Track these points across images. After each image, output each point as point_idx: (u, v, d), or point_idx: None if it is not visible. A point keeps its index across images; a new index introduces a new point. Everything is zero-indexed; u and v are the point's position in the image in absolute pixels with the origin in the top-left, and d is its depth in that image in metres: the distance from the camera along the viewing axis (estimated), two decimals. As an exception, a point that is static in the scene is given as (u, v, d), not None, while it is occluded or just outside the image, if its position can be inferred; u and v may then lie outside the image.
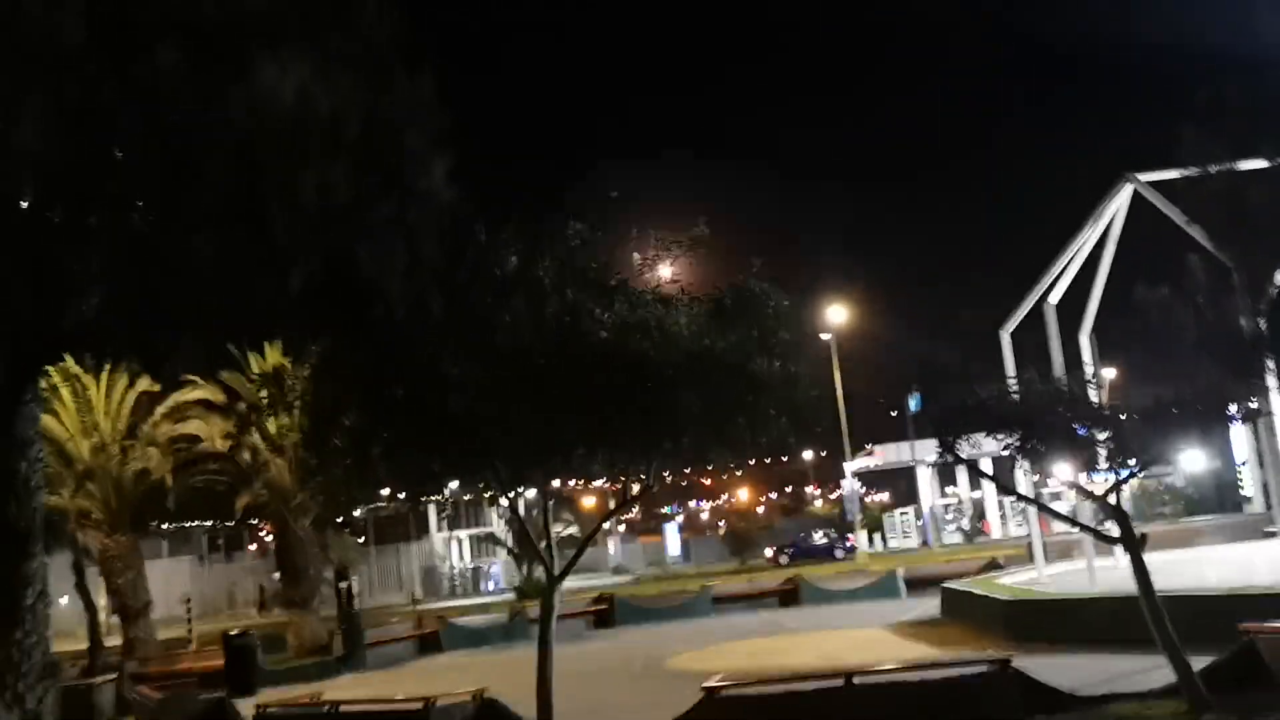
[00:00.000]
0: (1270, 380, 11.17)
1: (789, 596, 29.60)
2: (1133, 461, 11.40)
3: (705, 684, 11.68)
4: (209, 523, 54.72)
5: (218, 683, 20.65)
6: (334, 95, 8.81)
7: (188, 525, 52.34)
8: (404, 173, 9.52)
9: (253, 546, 66.86)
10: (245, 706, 16.38)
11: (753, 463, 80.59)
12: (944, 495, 59.90)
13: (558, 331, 10.70)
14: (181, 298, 9.97)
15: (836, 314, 49.40)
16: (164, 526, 43.43)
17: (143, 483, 28.41)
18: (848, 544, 52.53)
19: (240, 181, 8.64)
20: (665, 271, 11.45)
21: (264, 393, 25.01)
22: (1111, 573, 19.09)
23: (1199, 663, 11.10)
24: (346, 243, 9.37)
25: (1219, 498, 49.82)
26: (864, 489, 67.29)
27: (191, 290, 9.81)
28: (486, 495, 28.31)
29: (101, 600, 30.91)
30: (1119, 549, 13.00)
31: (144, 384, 27.89)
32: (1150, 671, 11.87)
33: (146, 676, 22.34)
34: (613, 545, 64.99)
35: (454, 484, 36.91)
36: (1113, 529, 11.30)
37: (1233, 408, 10.65)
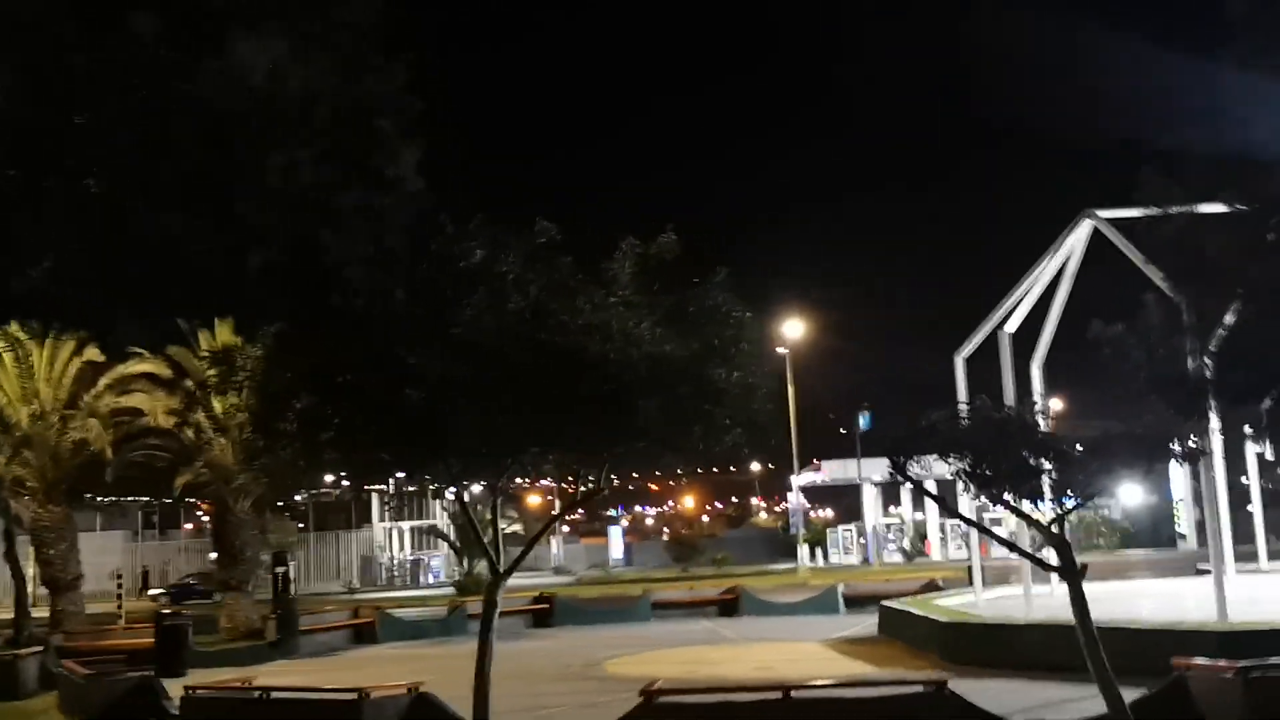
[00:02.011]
0: (1213, 421, 11.39)
1: (729, 606, 29.69)
2: (1075, 493, 11.56)
3: (642, 689, 11.67)
4: (146, 499, 53.89)
5: (147, 661, 20.29)
6: (307, 77, 8.74)
7: (124, 500, 51.48)
8: (373, 159, 9.46)
9: (189, 526, 65.99)
10: (174, 687, 16.14)
11: (701, 471, 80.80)
12: (887, 515, 60.46)
13: (518, 329, 10.67)
14: (137, 270, 9.83)
15: (793, 329, 49.67)
16: (99, 500, 42.67)
17: (81, 454, 27.90)
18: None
19: (207, 158, 8.54)
20: (629, 277, 11.44)
21: (212, 370, 24.69)
22: (1047, 600, 19.35)
23: (1129, 694, 11.27)
24: (310, 226, 9.29)
25: (1154, 532, 50.83)
26: (809, 504, 67.73)
27: (148, 263, 9.67)
28: (433, 488, 28.13)
29: (30, 570, 30.36)
30: (1056, 577, 13.18)
31: (89, 354, 27.41)
32: (1081, 700, 12.03)
33: (73, 651, 21.91)
34: (555, 545, 64.89)
35: (400, 474, 36.63)
36: (1052, 557, 11.45)
37: (1177, 446, 10.80)
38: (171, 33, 8.18)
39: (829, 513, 76.92)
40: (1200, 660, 11.64)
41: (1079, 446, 11.33)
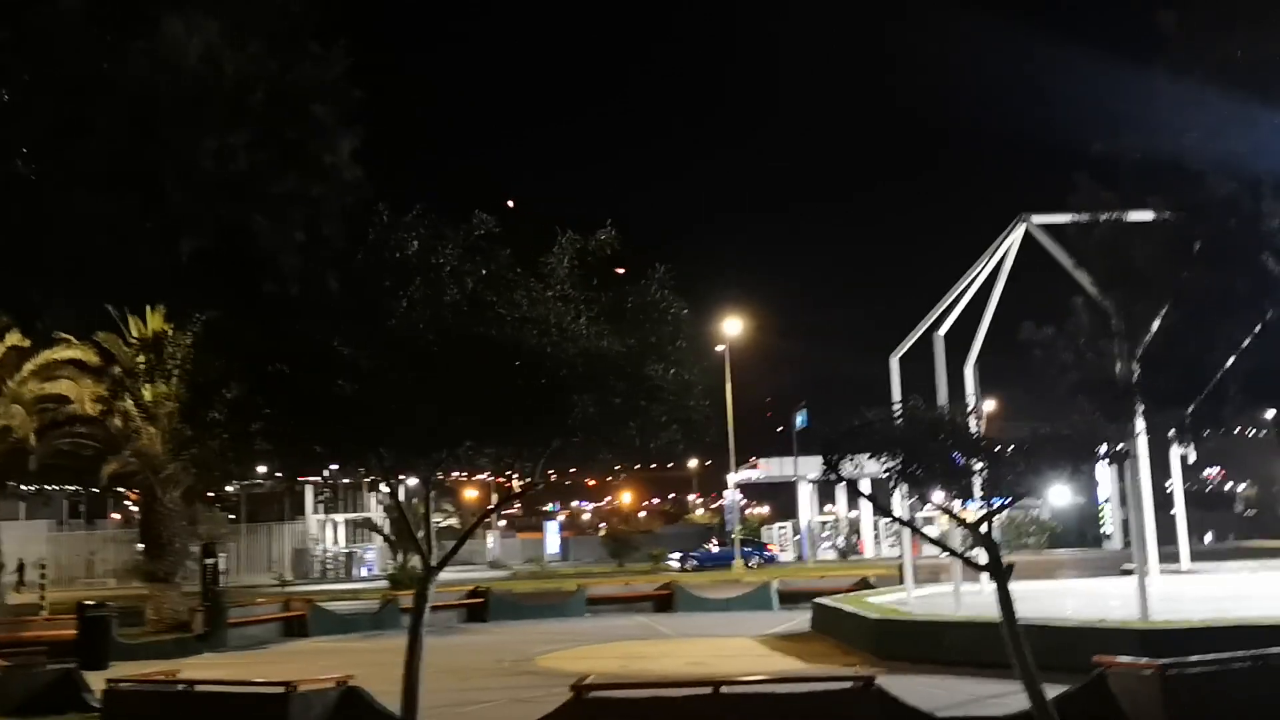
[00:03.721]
0: (1139, 424, 11.62)
1: (664, 602, 29.78)
2: (1004, 492, 11.73)
3: (573, 684, 11.65)
4: (72, 488, 52.70)
5: (69, 653, 19.84)
6: (241, 60, 8.55)
7: (49, 489, 50.32)
8: (308, 147, 9.28)
9: (116, 516, 64.66)
10: (96, 680, 15.80)
11: (638, 467, 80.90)
12: (823, 513, 61.03)
13: (455, 321, 10.57)
14: (61, 254, 9.56)
15: (732, 326, 49.89)
16: (23, 488, 41.69)
17: (4, 441, 27.21)
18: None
19: (134, 140, 8.32)
20: (567, 271, 11.38)
21: (141, 357, 24.23)
22: (976, 598, 19.65)
23: (1053, 690, 11.47)
24: (243, 213, 9.10)
25: (1081, 533, 51.88)
26: (745, 501, 68.14)
27: (72, 247, 9.41)
28: (367, 480, 27.65)
29: (-51, 560, 29.56)
30: (985, 576, 13.39)
31: (13, 339, 26.73)
32: (1006, 696, 12.24)
33: (-8, 643, 21.39)
34: (491, 539, 64.62)
35: (334, 466, 36.15)
36: (981, 556, 11.62)
37: (1103, 448, 11.00)
38: (99, 10, 7.96)
39: (766, 510, 77.47)
40: (1121, 659, 11.89)
41: (1007, 447, 11.52)
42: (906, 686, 12.72)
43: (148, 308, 24.96)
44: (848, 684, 11.67)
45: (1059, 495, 50.77)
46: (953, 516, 12.30)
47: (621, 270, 11.48)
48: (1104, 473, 42.92)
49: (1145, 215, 11.37)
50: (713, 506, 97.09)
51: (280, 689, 12.72)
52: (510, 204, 11.45)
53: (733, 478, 55.37)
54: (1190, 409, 11.35)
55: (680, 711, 11.49)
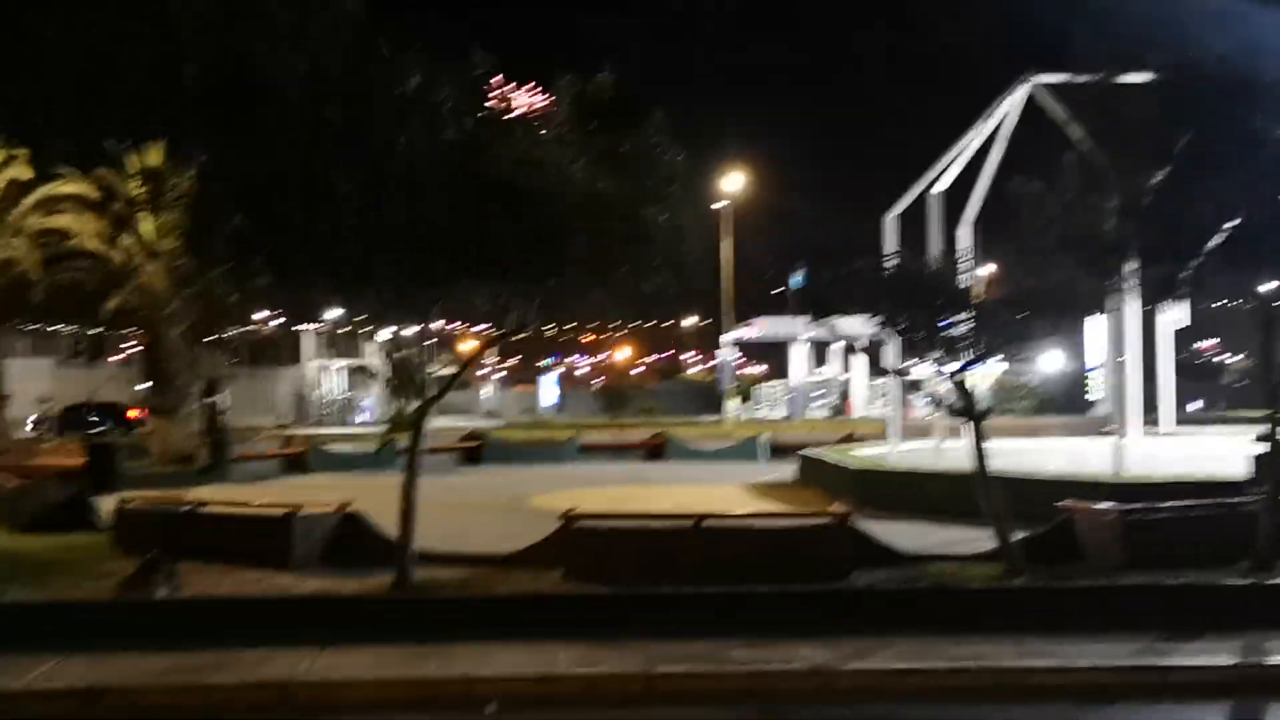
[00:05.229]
0: (1122, 281, 11.87)
1: (655, 451, 30.52)
2: (990, 348, 12.07)
3: (562, 514, 12.21)
4: (74, 327, 53.17)
5: (77, 480, 20.50)
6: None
7: (50, 328, 50.78)
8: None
9: (118, 357, 65.26)
10: (105, 503, 16.42)
11: (635, 322, 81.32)
12: (816, 372, 61.69)
13: (452, 159, 10.71)
14: (66, 81, 9.68)
15: (732, 183, 49.63)
16: (25, 327, 42.12)
17: (7, 273, 27.48)
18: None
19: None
20: (565, 114, 11.47)
21: (142, 190, 24.30)
22: (957, 453, 20.21)
23: (1021, 535, 12.05)
24: (245, 43, 9.18)
25: (1069, 398, 52.59)
26: (742, 359, 68.81)
27: (77, 75, 9.52)
28: (364, 329, 27.90)
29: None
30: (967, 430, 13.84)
31: (16, 171, 26.75)
32: (976, 541, 12.80)
33: (2, 469, 22.06)
34: (488, 390, 65.51)
35: (333, 313, 36.36)
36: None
37: (1085, 303, 11.31)
38: None
39: (761, 369, 78.24)
40: (1085, 504, 12.43)
41: (993, 301, 11.83)
42: (881, 529, 13.31)
43: (149, 143, 24.92)
44: (824, 520, 12.24)
45: (1049, 361, 51.35)
46: (939, 370, 12.61)
47: (630, 119, 11.52)
48: (1094, 339, 43.35)
49: (1140, 75, 11.41)
50: (708, 365, 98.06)
51: (282, 511, 13.32)
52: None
53: (726, 336, 55.85)
54: (1173, 266, 11.59)
55: (663, 542, 12.09)
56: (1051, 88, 19.60)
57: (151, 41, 9.40)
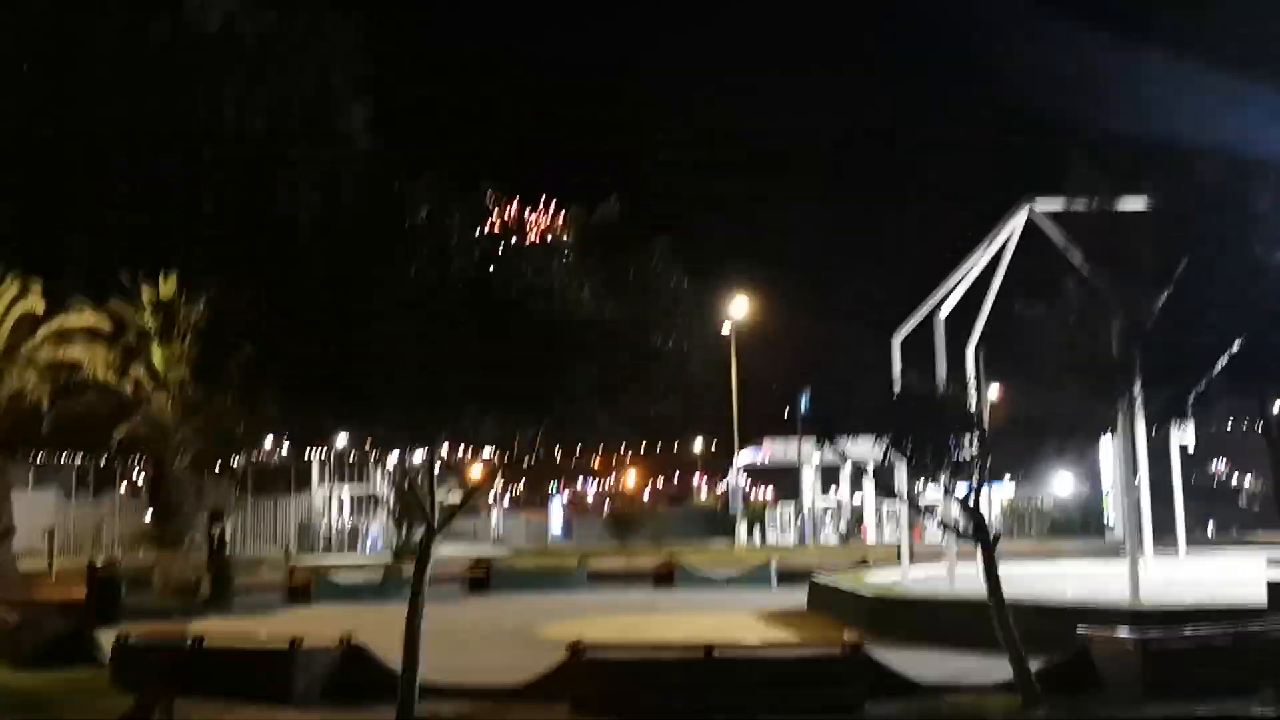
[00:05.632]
0: (1126, 403, 11.84)
1: (665, 578, 30.07)
2: (997, 471, 12.00)
3: (569, 645, 11.98)
4: (80, 458, 53.14)
5: (79, 613, 20.25)
6: (261, 27, 8.85)
7: (57, 459, 50.75)
8: (324, 112, 9.59)
9: (124, 489, 64.98)
10: (105, 637, 16.16)
11: (643, 448, 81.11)
12: (825, 497, 61.17)
13: (461, 287, 10.86)
14: (84, 212, 9.90)
15: (738, 307, 50.08)
16: (32, 458, 42.10)
17: (16, 405, 27.59)
18: None
19: (158, 102, 8.64)
20: (571, 241, 11.68)
21: (153, 321, 24.60)
22: (972, 580, 19.90)
23: (1038, 664, 11.78)
24: (260, 175, 9.41)
25: (1084, 521, 52.02)
26: (750, 484, 68.33)
27: (95, 204, 9.74)
28: (374, 451, 27.87)
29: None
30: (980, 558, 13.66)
31: (30, 304, 27.11)
32: (995, 670, 12.49)
33: (4, 603, 21.78)
34: (495, 516, 64.97)
35: (341, 439, 36.33)
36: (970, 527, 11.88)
37: (1091, 426, 11.27)
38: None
39: (769, 493, 77.68)
40: (1103, 632, 12.16)
41: (1000, 424, 11.80)
42: (895, 659, 13.00)
43: (161, 276, 25.34)
44: (837, 650, 11.98)
45: (1062, 484, 50.96)
46: (948, 492, 12.52)
47: (635, 248, 11.74)
48: (1107, 462, 43.11)
49: (1137, 202, 11.59)
50: (717, 491, 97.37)
51: (284, 645, 13.08)
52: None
53: (736, 460, 55.61)
54: (1177, 390, 11.58)
55: (673, 674, 11.82)
56: (1051, 212, 19.88)
57: (167, 176, 9.66)
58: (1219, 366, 11.69)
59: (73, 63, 8.00)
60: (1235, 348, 11.67)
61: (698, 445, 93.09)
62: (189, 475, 28.13)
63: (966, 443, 11.62)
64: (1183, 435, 25.28)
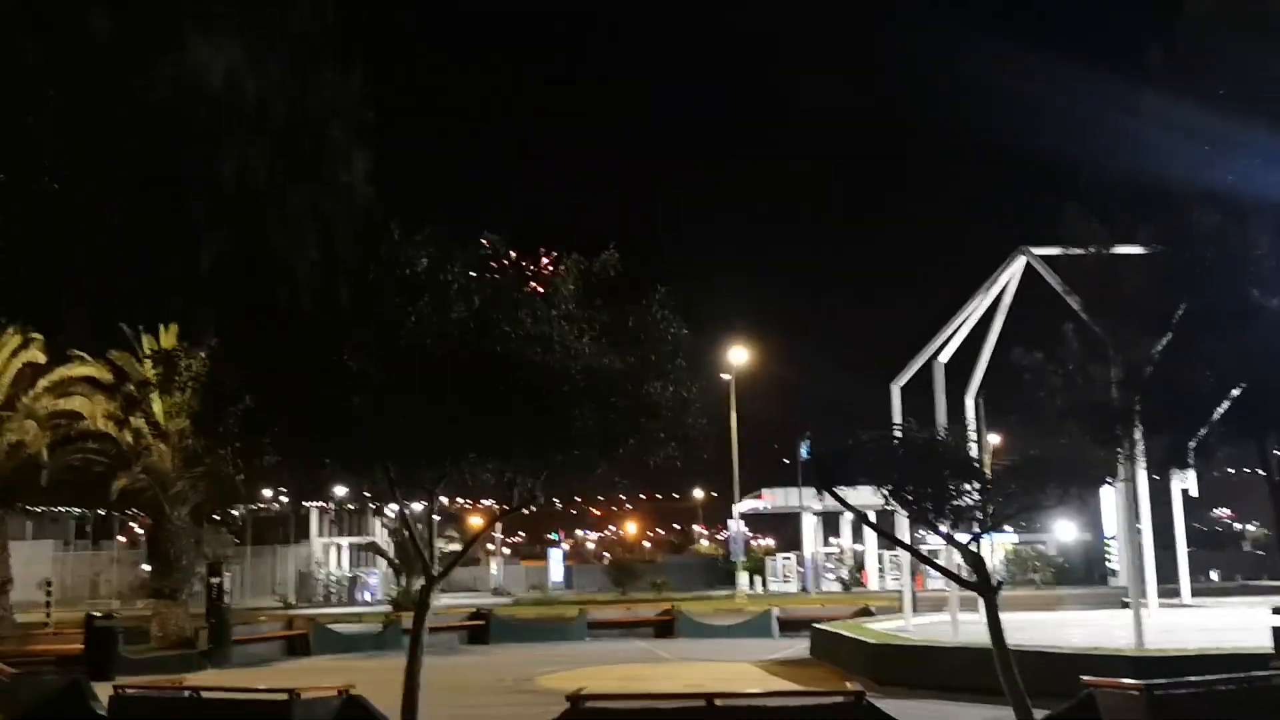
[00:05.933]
0: (1128, 449, 11.82)
1: (665, 627, 29.90)
2: (997, 516, 11.94)
3: (569, 695, 11.86)
4: (79, 510, 52.95)
5: (76, 665, 20.09)
6: (262, 80, 8.94)
7: (56, 510, 50.57)
8: (324, 164, 9.66)
9: (121, 540, 64.77)
10: (103, 691, 16.02)
11: (643, 496, 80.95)
12: (827, 545, 60.93)
13: (461, 337, 10.89)
14: (86, 263, 9.94)
15: (737, 356, 50.17)
16: (30, 509, 41.95)
17: (15, 457, 27.54)
18: None
19: (158, 154, 8.71)
20: (571, 291, 11.71)
21: (154, 372, 24.59)
22: (975, 627, 19.78)
23: (1042, 713, 11.66)
24: (260, 227, 9.46)
25: (1087, 569, 51.76)
26: (752, 533, 68.07)
27: (97, 256, 9.79)
28: (373, 503, 27.70)
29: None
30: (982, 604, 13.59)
31: (30, 355, 27.16)
32: (1000, 719, 12.39)
33: (1, 656, 21.62)
34: (495, 566, 64.66)
35: (340, 489, 36.27)
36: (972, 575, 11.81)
37: (1092, 472, 11.25)
38: (128, 32, 8.34)
39: (770, 541, 77.35)
40: (1108, 679, 12.06)
41: (1000, 471, 11.77)
42: (898, 707, 12.87)
43: (161, 327, 25.36)
44: (839, 699, 11.86)
45: (1065, 531, 50.77)
46: (949, 540, 12.48)
47: (635, 297, 11.75)
48: (1110, 509, 42.95)
49: (1133, 248, 11.67)
50: (718, 538, 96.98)
51: (283, 696, 12.95)
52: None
53: (737, 508, 55.39)
54: (1178, 435, 11.58)
55: (675, 724, 11.68)
56: (1048, 258, 20.00)
57: (167, 227, 9.71)
58: (1219, 411, 11.69)
59: (73, 114, 8.10)
60: (1235, 392, 11.70)
61: (698, 494, 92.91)
62: (188, 526, 28.02)
63: (967, 490, 11.59)
64: (1184, 481, 25.23)
